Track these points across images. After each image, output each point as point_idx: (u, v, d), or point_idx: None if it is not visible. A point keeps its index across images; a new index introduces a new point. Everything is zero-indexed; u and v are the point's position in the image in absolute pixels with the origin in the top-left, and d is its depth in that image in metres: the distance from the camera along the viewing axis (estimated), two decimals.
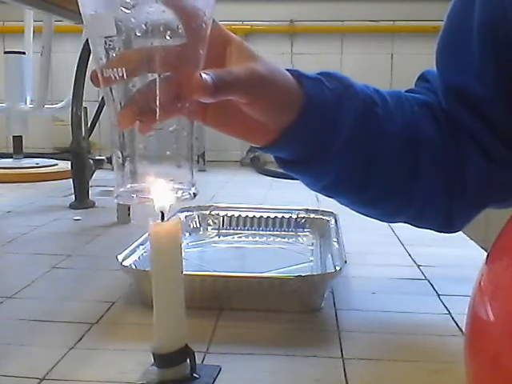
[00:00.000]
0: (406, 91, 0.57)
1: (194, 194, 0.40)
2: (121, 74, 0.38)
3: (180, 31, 0.39)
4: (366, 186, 0.53)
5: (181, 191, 0.40)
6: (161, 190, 0.39)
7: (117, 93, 0.39)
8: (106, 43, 0.38)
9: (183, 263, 0.43)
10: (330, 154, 0.50)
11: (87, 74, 1.22)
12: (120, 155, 0.40)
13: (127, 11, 0.37)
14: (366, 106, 0.50)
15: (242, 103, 0.43)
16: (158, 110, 0.38)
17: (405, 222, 0.59)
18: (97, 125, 1.56)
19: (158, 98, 0.38)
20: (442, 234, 0.59)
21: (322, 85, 0.48)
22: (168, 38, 0.38)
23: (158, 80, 0.38)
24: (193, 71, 0.39)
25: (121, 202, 0.39)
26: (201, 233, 0.89)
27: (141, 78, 0.39)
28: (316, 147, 0.49)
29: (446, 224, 0.57)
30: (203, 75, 0.39)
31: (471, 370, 0.30)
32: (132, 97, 0.39)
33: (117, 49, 0.38)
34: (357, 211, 0.58)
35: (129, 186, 0.40)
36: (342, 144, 0.49)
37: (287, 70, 0.47)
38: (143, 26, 0.37)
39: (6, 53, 1.80)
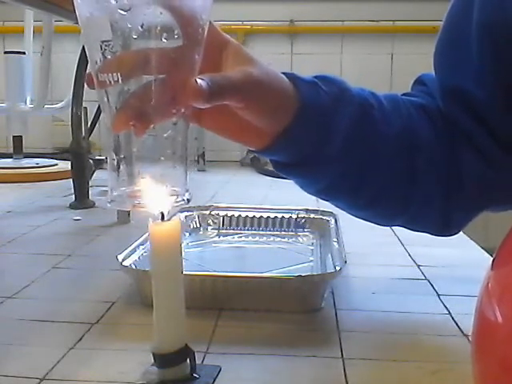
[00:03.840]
0: (402, 94, 0.57)
1: (188, 200, 0.41)
2: (116, 79, 0.38)
3: (176, 34, 0.38)
4: (361, 189, 0.53)
5: (175, 196, 0.40)
6: (155, 195, 0.39)
7: (112, 96, 0.39)
8: (101, 47, 0.37)
9: (183, 263, 0.43)
10: (326, 158, 0.50)
11: None
12: (114, 159, 0.40)
13: (123, 13, 0.36)
14: (362, 109, 0.50)
15: (238, 108, 0.43)
16: (152, 114, 0.38)
17: (401, 226, 0.59)
18: (97, 125, 1.56)
19: (152, 102, 0.38)
20: (439, 237, 0.59)
21: (318, 88, 0.48)
22: (164, 40, 0.38)
23: (153, 84, 0.38)
24: (188, 76, 0.39)
25: (115, 207, 0.39)
26: (201, 233, 0.89)
27: (136, 82, 0.39)
28: (312, 150, 0.49)
29: (443, 227, 0.57)
30: (198, 81, 0.39)
31: (479, 372, 0.30)
32: (127, 100, 0.39)
33: (112, 52, 0.38)
34: (354, 215, 0.58)
35: (123, 189, 0.40)
36: (338, 148, 0.49)
37: (283, 73, 0.47)
38: (139, 28, 0.37)
39: (6, 53, 1.80)
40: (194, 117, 0.44)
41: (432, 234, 0.59)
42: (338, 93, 0.49)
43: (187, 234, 0.87)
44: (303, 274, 0.60)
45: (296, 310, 0.58)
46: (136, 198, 0.39)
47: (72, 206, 1.16)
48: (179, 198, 0.40)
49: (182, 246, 0.43)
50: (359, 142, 0.50)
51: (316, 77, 0.49)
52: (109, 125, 0.39)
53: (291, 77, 0.47)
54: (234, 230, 0.91)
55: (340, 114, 0.49)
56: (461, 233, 0.60)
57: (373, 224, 0.60)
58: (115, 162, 0.40)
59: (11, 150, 1.78)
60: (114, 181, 0.40)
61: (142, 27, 0.37)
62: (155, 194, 0.39)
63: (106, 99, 0.39)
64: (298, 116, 0.46)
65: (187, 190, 0.41)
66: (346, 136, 0.49)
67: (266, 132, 0.47)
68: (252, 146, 0.49)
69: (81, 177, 1.18)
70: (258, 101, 0.44)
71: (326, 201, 0.56)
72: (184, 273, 0.43)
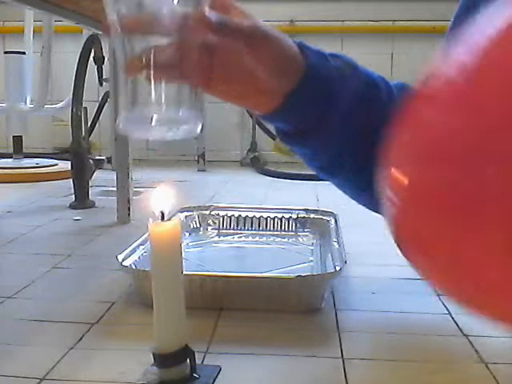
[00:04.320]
0: None
1: (200, 127, 0.41)
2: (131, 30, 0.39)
3: None
4: (364, 167, 0.53)
5: (185, 125, 0.40)
6: (166, 123, 0.40)
7: (128, 43, 0.40)
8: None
9: (183, 263, 0.43)
10: (329, 130, 0.50)
11: (87, 75, 1.22)
12: (126, 89, 0.40)
13: None
14: (368, 88, 0.51)
15: (244, 52, 0.44)
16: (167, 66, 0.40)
17: None
18: (97, 125, 1.56)
19: (165, 55, 0.40)
20: None
21: (326, 61, 0.49)
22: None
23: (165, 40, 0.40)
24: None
25: (125, 132, 0.40)
26: (201, 233, 0.89)
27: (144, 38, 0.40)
28: (315, 118, 0.50)
29: None
30: (207, 12, 0.40)
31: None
32: (142, 50, 0.40)
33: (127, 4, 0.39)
34: (355, 199, 0.58)
35: (134, 115, 0.40)
36: (341, 121, 0.50)
37: (294, 41, 0.48)
38: None
39: (6, 53, 1.80)
40: (202, 80, 0.45)
41: None
42: (347, 69, 0.50)
43: (187, 234, 0.87)
44: (303, 274, 0.60)
45: (296, 310, 0.58)
46: (146, 125, 0.40)
47: (72, 206, 1.16)
48: (189, 126, 0.40)
49: (182, 246, 0.44)
50: (363, 119, 0.51)
51: (327, 52, 0.50)
52: (123, 68, 0.40)
53: (299, 44, 0.48)
54: (233, 230, 0.91)
55: (345, 88, 0.49)
56: None
57: (375, 222, 0.59)
58: (127, 93, 0.40)
59: (11, 150, 1.78)
60: (127, 105, 0.40)
61: None
62: (166, 117, 0.40)
63: (120, 45, 0.40)
64: (302, 83, 0.47)
65: (199, 119, 0.41)
66: (349, 111, 0.50)
67: (272, 94, 0.48)
68: (258, 109, 0.50)
69: (81, 177, 1.18)
70: (264, 49, 0.45)
71: (329, 179, 0.56)
72: (184, 273, 0.43)
